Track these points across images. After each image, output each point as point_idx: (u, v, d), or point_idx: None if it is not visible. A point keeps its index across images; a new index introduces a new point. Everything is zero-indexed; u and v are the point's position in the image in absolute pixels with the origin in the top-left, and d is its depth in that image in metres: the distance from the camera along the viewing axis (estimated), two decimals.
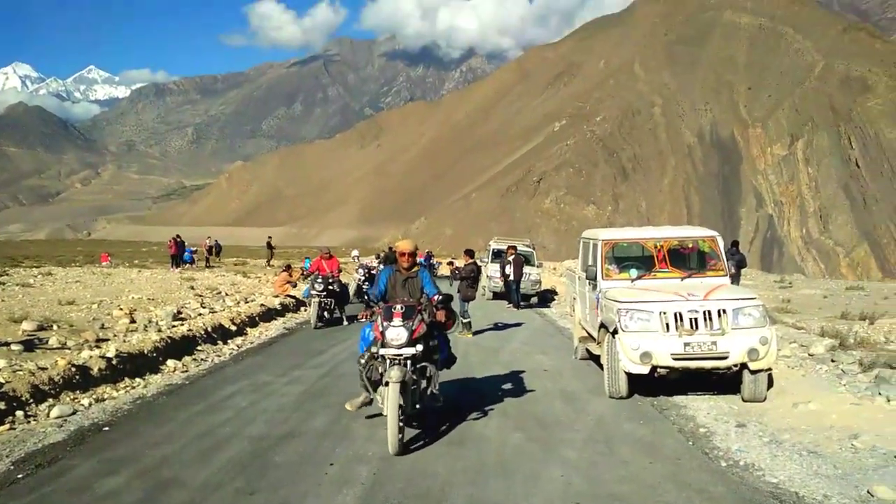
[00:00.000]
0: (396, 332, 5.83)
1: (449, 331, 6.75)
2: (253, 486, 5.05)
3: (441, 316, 6.33)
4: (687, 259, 9.46)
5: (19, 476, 5.23)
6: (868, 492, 4.88)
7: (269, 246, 43.93)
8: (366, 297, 6.42)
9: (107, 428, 6.67)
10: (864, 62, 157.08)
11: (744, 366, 7.60)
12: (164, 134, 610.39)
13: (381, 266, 26.00)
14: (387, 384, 5.73)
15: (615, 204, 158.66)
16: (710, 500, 4.78)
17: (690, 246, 9.52)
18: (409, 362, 5.85)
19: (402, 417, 5.69)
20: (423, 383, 6.12)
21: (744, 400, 7.71)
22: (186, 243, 38.05)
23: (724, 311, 7.70)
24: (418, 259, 7.15)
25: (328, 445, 6.07)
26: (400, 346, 5.81)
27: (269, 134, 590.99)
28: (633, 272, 9.02)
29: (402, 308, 5.96)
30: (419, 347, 5.88)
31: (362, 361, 6.21)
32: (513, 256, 19.50)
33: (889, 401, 7.17)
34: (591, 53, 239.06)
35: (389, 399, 5.63)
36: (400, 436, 5.66)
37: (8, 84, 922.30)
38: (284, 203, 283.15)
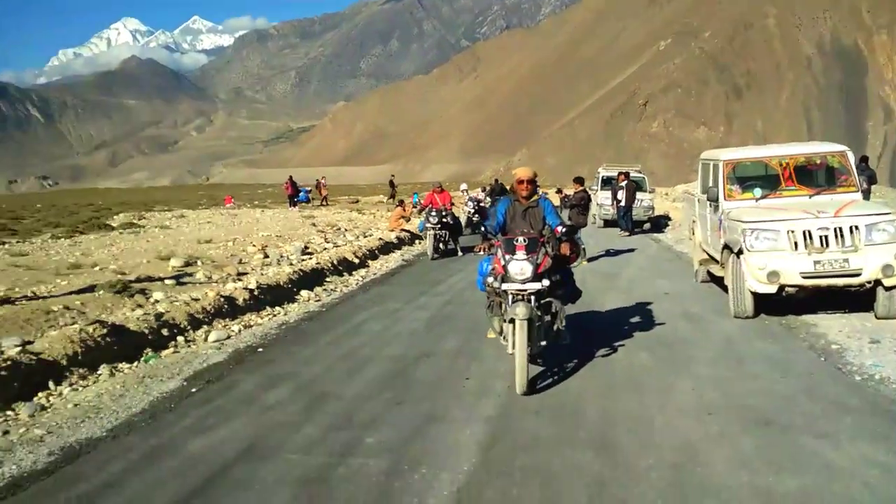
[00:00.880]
0: (520, 266, 5.40)
1: (573, 264, 6.31)
2: (400, 398, 5.49)
3: (566, 249, 5.89)
4: (815, 176, 9.14)
5: (193, 390, 5.89)
6: None
7: (392, 184, 44.99)
8: (483, 229, 5.99)
9: (260, 349, 7.33)
10: None
11: (878, 282, 7.37)
12: (268, 79, 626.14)
13: (488, 198, 26.31)
14: (511, 321, 5.32)
15: (728, 124, 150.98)
16: (846, 411, 4.80)
17: (818, 162, 9.16)
18: (533, 298, 5.44)
19: (529, 356, 5.38)
20: (549, 319, 5.73)
21: (877, 317, 7.50)
22: (299, 184, 39.60)
23: (857, 228, 7.46)
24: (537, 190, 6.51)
25: (462, 363, 6.44)
26: (525, 281, 5.39)
27: (368, 73, 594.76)
28: (758, 191, 8.81)
29: (524, 240, 5.50)
30: (545, 282, 5.43)
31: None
32: (625, 182, 19.22)
33: None
34: None
35: (517, 337, 5.24)
36: (527, 375, 5.37)
37: (120, 39, 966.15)
38: (387, 141, 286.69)
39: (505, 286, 5.45)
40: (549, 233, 5.95)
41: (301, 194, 39.26)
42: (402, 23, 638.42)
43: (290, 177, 38.78)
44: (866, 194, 14.43)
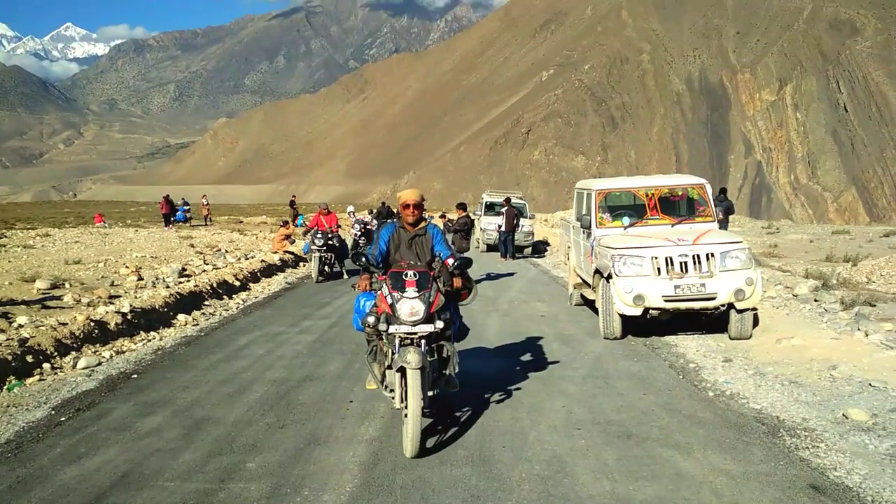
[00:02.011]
0: (411, 305, 4.72)
1: (463, 302, 5.47)
2: (282, 421, 5.49)
3: (458, 283, 5.20)
4: (677, 206, 9.87)
5: (62, 419, 5.64)
6: (843, 414, 5.36)
7: (293, 205, 43.74)
8: (363, 260, 5.11)
9: (135, 375, 7.08)
10: (853, 4, 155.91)
11: (731, 306, 8.08)
12: (145, 91, 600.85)
13: (375, 221, 26.34)
14: (400, 370, 4.69)
15: (604, 154, 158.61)
16: (699, 424, 5.26)
17: (680, 193, 9.92)
18: (423, 342, 4.80)
19: (424, 411, 4.75)
20: (437, 365, 5.07)
21: (731, 338, 8.21)
22: (179, 202, 38.19)
23: (713, 255, 8.14)
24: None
25: (346, 386, 6.51)
26: (416, 323, 4.73)
27: (252, 89, 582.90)
28: (626, 220, 9.43)
29: (415, 275, 4.84)
30: (439, 324, 4.82)
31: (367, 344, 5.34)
32: (506, 209, 19.89)
33: (867, 335, 7.67)
34: (577, 0, 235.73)
35: (409, 389, 4.58)
36: (419, 435, 4.64)
37: None
38: (271, 160, 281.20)
39: (392, 328, 4.77)
40: (438, 265, 5.31)
41: (179, 213, 37.83)
42: (290, 40, 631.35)
43: (167, 195, 37.32)
44: (724, 224, 15.65)
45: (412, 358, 4.58)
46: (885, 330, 7.84)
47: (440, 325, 4.83)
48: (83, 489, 4.24)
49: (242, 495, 4.11)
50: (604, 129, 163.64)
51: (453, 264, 5.19)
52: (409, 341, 4.77)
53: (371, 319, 4.90)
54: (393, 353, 4.83)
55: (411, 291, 4.77)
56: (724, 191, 18.78)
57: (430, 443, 4.88)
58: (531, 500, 3.98)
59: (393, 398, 4.92)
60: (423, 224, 5.48)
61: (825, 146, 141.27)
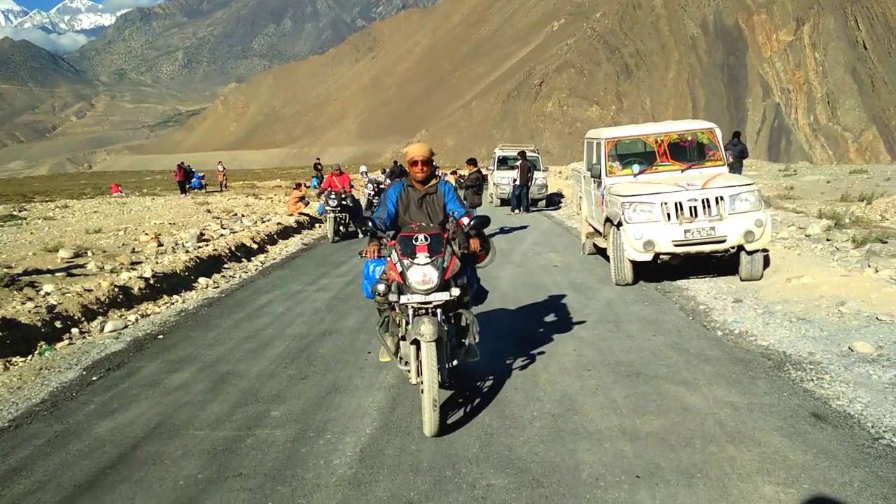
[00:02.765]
0: (423, 272, 4.28)
1: (481, 264, 4.99)
2: (304, 373, 5.72)
3: (475, 245, 4.73)
4: (687, 151, 9.86)
5: (94, 378, 5.91)
6: (849, 348, 5.48)
7: (317, 167, 43.44)
8: (370, 224, 4.62)
9: (160, 336, 7.35)
10: None
11: (741, 248, 8.16)
12: (154, 60, 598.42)
13: (388, 180, 26.34)
14: (414, 343, 4.31)
15: (619, 103, 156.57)
16: (706, 361, 5.41)
17: (690, 139, 9.90)
18: (439, 310, 4.37)
19: (444, 384, 4.45)
20: (454, 334, 4.67)
21: (741, 279, 8.30)
22: (193, 169, 38.47)
23: (722, 198, 8.19)
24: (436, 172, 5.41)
25: (363, 338, 6.72)
26: (429, 291, 4.30)
27: (260, 53, 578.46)
28: (636, 167, 9.46)
29: (426, 238, 4.38)
30: (455, 291, 4.36)
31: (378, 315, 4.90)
32: (520, 162, 19.88)
33: (877, 271, 7.73)
34: None
35: (424, 363, 4.17)
36: (439, 410, 4.21)
37: None
38: (282, 123, 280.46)
39: (404, 299, 4.34)
40: (453, 225, 4.86)
41: (194, 180, 38.13)
42: (295, 2, 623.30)
43: (181, 163, 37.56)
44: (737, 168, 15.61)
45: (426, 329, 4.16)
46: (894, 266, 7.89)
47: (456, 292, 4.37)
48: (118, 440, 4.49)
49: (269, 440, 4.34)
50: (618, 78, 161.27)
51: (468, 224, 4.72)
52: (423, 311, 4.35)
53: (381, 287, 4.47)
54: (406, 324, 4.46)
55: (422, 257, 4.32)
56: (737, 134, 18.66)
57: (451, 417, 4.55)
58: (542, 436, 4.17)
59: (408, 372, 4.51)
60: (433, 181, 5.00)
61: (844, 85, 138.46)
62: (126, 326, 7.87)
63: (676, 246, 8.16)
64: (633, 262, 8.40)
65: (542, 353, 5.88)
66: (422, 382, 4.23)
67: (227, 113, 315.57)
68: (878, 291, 6.92)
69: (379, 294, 4.52)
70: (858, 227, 10.89)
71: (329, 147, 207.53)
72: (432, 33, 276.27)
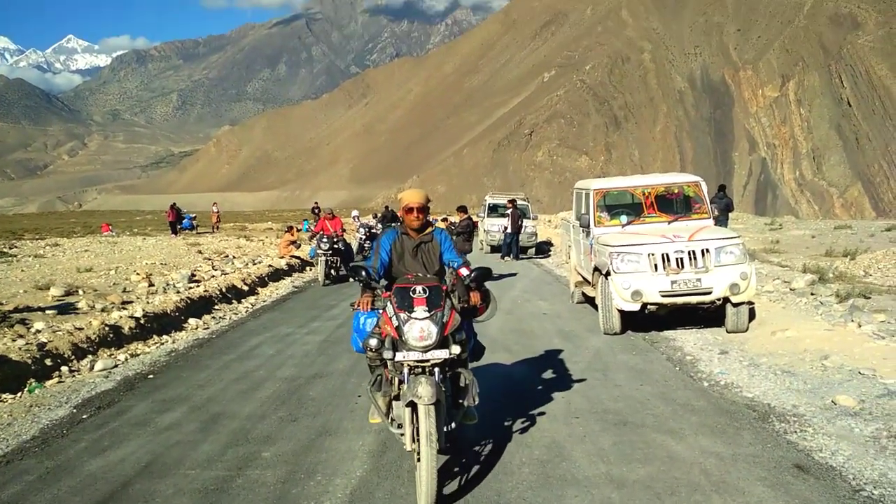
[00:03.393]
0: (421, 328, 3.96)
1: (479, 318, 4.63)
2: (294, 415, 5.77)
3: (476, 299, 4.41)
4: (674, 204, 10.08)
5: (84, 416, 5.92)
6: (832, 401, 5.59)
7: (315, 210, 42.34)
8: (363, 274, 4.35)
9: (151, 375, 7.37)
10: None
11: (726, 300, 8.32)
12: (148, 101, 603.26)
13: (379, 224, 26.49)
14: (410, 405, 3.94)
15: (608, 154, 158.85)
16: (692, 412, 5.51)
17: (676, 192, 10.13)
18: (436, 369, 4.04)
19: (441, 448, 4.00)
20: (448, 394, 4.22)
21: (727, 331, 8.44)
22: (183, 210, 38.65)
23: (708, 251, 8.38)
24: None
25: (354, 381, 6.77)
26: (427, 348, 3.98)
27: (254, 97, 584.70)
28: (624, 218, 9.68)
29: (424, 291, 4.09)
30: (455, 349, 4.06)
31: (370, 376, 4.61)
32: (510, 210, 20.14)
33: (860, 326, 7.89)
34: (577, 0, 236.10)
35: (422, 427, 3.82)
36: (435, 484, 3.83)
37: None
38: (274, 166, 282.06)
39: (399, 356, 4.01)
40: (451, 277, 4.62)
41: (185, 221, 38.28)
42: (291, 47, 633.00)
43: (173, 203, 37.78)
44: (723, 222, 15.91)
45: (424, 391, 3.82)
46: (877, 321, 8.05)
47: (456, 350, 4.06)
48: (109, 478, 4.51)
49: (260, 480, 4.38)
50: (607, 129, 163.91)
51: (469, 275, 4.44)
52: (419, 370, 4.03)
53: (373, 343, 4.20)
54: (400, 383, 4.13)
55: (421, 311, 4.00)
56: (722, 188, 19.04)
57: (448, 488, 4.18)
58: (530, 482, 4.23)
59: (401, 436, 4.15)
60: (429, 229, 4.75)
61: (830, 141, 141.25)
62: (116, 366, 7.88)
63: (664, 296, 8.31)
64: (622, 312, 8.53)
65: (539, 409, 5.94)
66: (418, 451, 3.90)
67: (220, 155, 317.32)
68: (860, 346, 7.07)
69: (371, 350, 4.26)
70: (842, 282, 11.09)
71: (320, 191, 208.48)
72: (425, 81, 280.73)
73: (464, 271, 4.51)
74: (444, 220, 38.30)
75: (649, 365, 7.12)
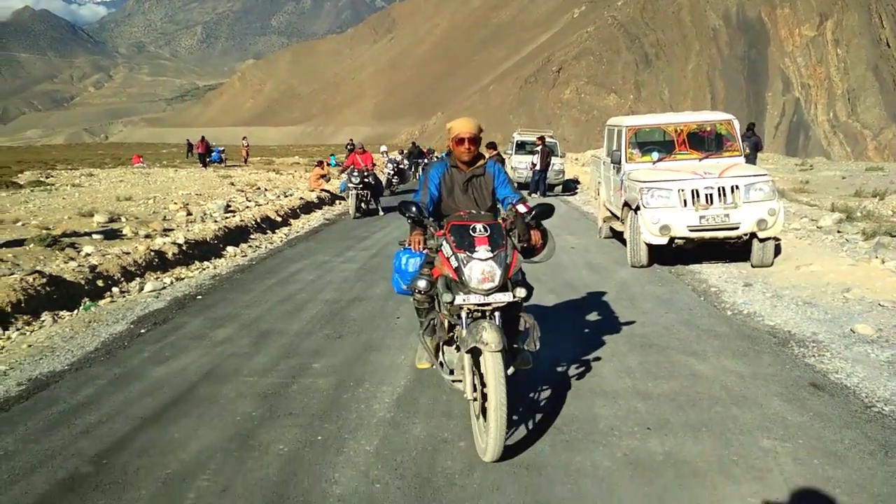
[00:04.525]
0: (483, 269, 3.60)
1: (536, 258, 4.17)
2: (339, 332, 6.15)
3: (537, 237, 4.02)
4: (705, 141, 10.18)
5: (142, 331, 6.35)
6: (851, 329, 5.84)
7: (349, 147, 43.00)
8: (413, 210, 3.91)
9: (199, 297, 7.79)
10: None
11: (753, 235, 8.50)
12: (173, 34, 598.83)
13: (405, 161, 26.55)
14: (471, 351, 3.64)
15: (637, 92, 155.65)
16: (715, 337, 5.79)
17: (708, 129, 10.20)
18: (497, 314, 3.70)
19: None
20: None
21: (752, 265, 8.65)
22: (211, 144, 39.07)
23: (737, 187, 8.52)
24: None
25: (392, 304, 7.13)
26: (491, 291, 3.62)
27: (279, 30, 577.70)
28: (655, 155, 9.80)
29: (485, 229, 3.74)
30: (521, 292, 3.69)
31: (420, 315, 4.33)
32: (540, 147, 20.17)
33: (883, 262, 8.07)
34: None
35: (490, 377, 3.48)
36: (503, 434, 3.50)
37: None
38: (299, 101, 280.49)
39: (460, 299, 3.65)
40: (510, 214, 4.06)
41: (214, 154, 38.71)
42: None
43: (203, 137, 38.17)
44: (751, 159, 15.86)
45: (491, 338, 3.46)
46: None
47: (522, 293, 3.69)
48: (175, 382, 4.93)
49: (313, 387, 4.77)
50: (637, 67, 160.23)
51: (529, 213, 3.99)
52: (478, 314, 3.70)
53: (422, 284, 3.97)
54: (452, 328, 3.88)
55: (483, 251, 3.63)
56: (752, 126, 18.86)
57: (510, 438, 3.84)
58: (562, 393, 4.57)
59: (455, 382, 3.98)
60: (480, 162, 4.34)
61: (866, 83, 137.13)
62: (164, 287, 8.32)
63: (691, 231, 8.51)
64: (649, 245, 8.75)
65: (561, 325, 6.26)
66: (477, 399, 3.71)
67: (244, 89, 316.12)
68: (882, 280, 7.26)
69: (419, 292, 4.02)
70: (869, 221, 11.18)
71: (344, 126, 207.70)
72: (451, 16, 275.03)
73: (522, 208, 4.03)
74: None
75: (675, 295, 7.38)
